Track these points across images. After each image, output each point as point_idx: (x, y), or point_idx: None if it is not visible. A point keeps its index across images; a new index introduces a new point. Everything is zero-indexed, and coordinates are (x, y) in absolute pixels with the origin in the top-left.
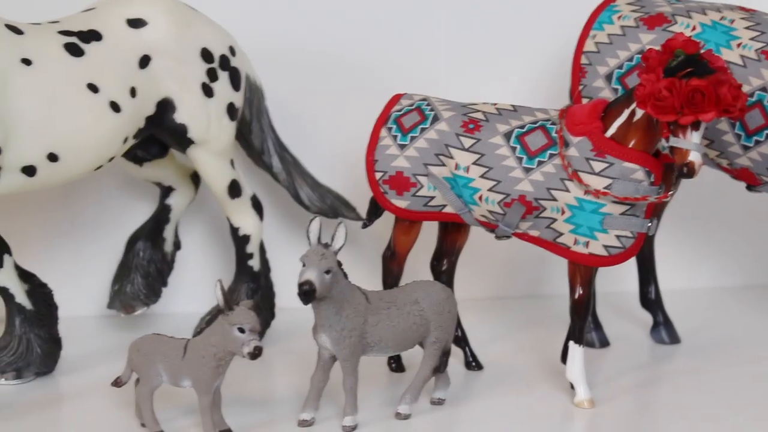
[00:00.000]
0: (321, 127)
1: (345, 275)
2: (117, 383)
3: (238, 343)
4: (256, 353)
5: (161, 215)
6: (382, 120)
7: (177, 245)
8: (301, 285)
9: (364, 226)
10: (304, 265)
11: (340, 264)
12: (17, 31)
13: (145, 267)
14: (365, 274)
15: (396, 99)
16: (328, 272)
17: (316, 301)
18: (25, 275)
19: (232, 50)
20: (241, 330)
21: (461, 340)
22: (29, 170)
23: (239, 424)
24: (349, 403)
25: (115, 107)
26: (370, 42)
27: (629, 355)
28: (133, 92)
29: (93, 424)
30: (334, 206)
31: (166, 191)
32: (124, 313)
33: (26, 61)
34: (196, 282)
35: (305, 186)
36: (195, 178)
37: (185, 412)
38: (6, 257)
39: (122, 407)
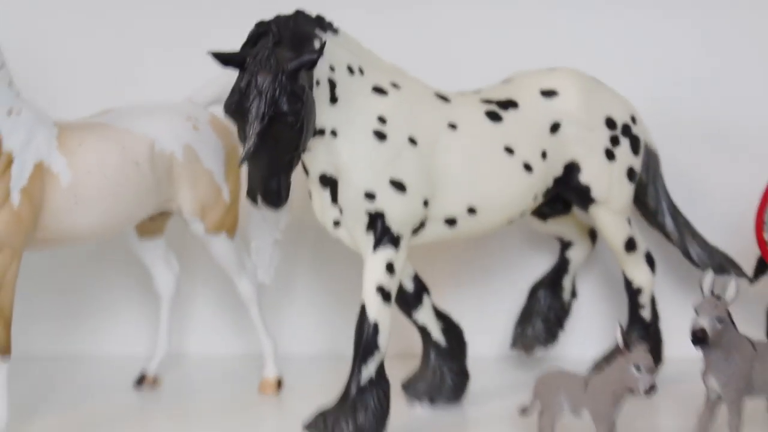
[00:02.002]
0: (709, 189)
1: (734, 325)
2: (524, 412)
3: (635, 380)
4: (651, 390)
5: (561, 267)
6: None
7: (574, 294)
8: (694, 331)
9: (751, 282)
10: (697, 313)
11: (729, 315)
12: (445, 99)
13: (545, 313)
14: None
15: None
16: (719, 321)
17: (707, 347)
18: (440, 315)
19: (633, 119)
20: (638, 368)
21: None
22: (451, 222)
23: None
24: None
25: (528, 168)
26: (760, 104)
27: None
28: (544, 155)
29: None
30: (721, 264)
31: (566, 245)
32: (525, 353)
33: (453, 126)
34: (588, 328)
35: (695, 245)
36: (592, 234)
37: None
38: (425, 297)
39: None
